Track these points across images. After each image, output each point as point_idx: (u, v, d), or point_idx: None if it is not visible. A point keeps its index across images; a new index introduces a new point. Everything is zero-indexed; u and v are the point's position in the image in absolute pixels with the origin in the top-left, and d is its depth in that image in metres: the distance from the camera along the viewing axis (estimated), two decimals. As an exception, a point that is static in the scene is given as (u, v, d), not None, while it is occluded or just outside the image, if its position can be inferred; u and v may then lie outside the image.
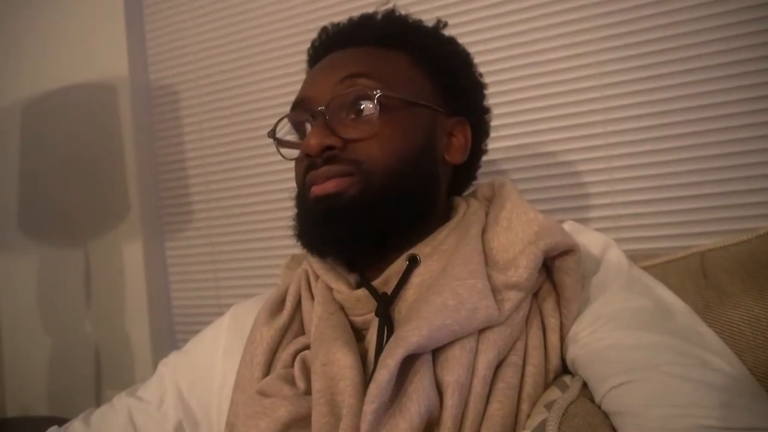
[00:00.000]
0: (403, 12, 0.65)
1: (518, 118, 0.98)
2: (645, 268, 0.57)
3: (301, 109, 0.59)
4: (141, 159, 1.32)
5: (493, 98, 0.99)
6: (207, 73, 1.29)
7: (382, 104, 0.54)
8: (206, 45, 1.29)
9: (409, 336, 0.45)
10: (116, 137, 1.32)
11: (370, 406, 0.43)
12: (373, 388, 0.43)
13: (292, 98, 1.21)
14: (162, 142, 1.35)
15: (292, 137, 0.64)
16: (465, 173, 0.66)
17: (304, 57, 1.18)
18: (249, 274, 1.25)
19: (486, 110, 0.68)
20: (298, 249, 1.29)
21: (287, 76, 1.19)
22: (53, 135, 1.37)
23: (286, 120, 0.62)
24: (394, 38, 0.61)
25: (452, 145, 0.61)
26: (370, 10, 0.66)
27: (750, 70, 0.84)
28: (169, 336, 1.32)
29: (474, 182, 0.70)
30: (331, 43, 0.64)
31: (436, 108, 0.59)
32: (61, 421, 0.69)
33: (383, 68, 0.58)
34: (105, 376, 1.31)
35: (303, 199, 0.58)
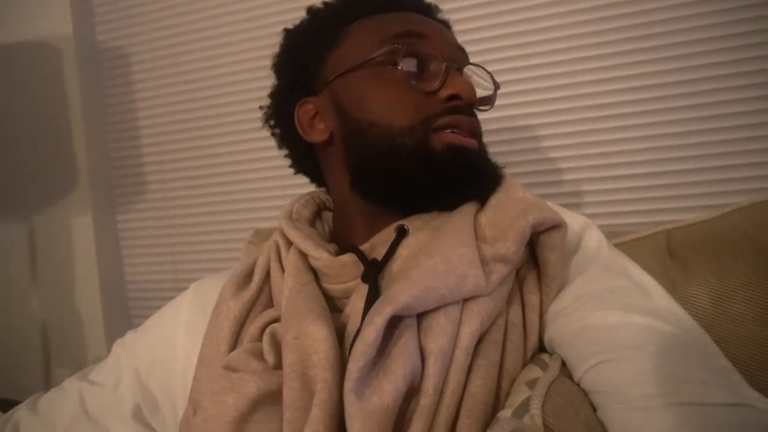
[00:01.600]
0: None
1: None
2: (613, 246, 0.58)
3: (428, 46, 0.55)
4: (89, 126, 1.24)
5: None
6: (160, 35, 1.22)
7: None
8: (160, 5, 1.21)
9: (398, 295, 0.44)
10: (61, 102, 1.23)
11: (355, 365, 0.41)
12: (360, 346, 0.42)
13: (250, 63, 1.16)
14: (112, 109, 1.27)
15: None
16: None
17: (263, 22, 1.13)
18: (208, 248, 1.21)
19: None
20: (258, 222, 1.25)
21: (246, 41, 1.14)
22: (-8, 98, 1.28)
23: (381, 45, 0.55)
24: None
25: None
26: None
27: (719, 47, 0.86)
28: (124, 312, 1.27)
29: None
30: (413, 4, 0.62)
31: None
32: (7, 403, 0.65)
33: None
34: (54, 355, 1.25)
35: (421, 140, 0.53)
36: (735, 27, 0.85)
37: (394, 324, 0.45)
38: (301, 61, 0.61)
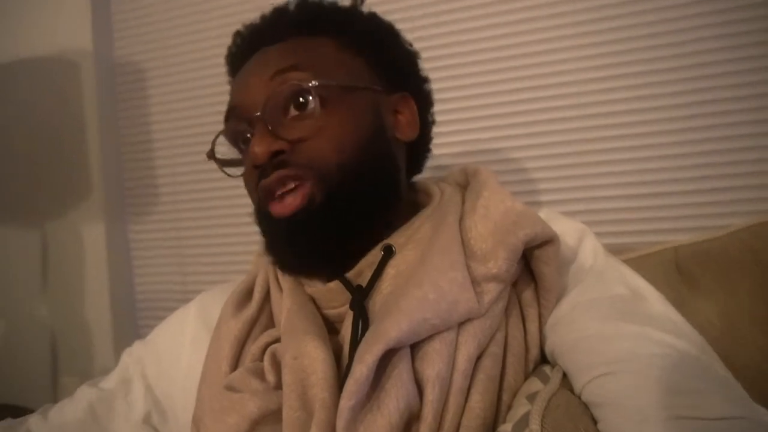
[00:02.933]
0: None
1: (494, 110, 0.98)
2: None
3: (236, 118, 0.55)
4: (104, 138, 1.26)
5: (470, 89, 0.99)
6: (176, 51, 1.24)
7: (321, 96, 0.51)
8: (175, 22, 1.24)
9: (389, 330, 0.44)
10: (78, 114, 1.26)
11: (347, 403, 0.41)
12: (351, 384, 0.42)
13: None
14: (127, 122, 1.30)
15: (232, 153, 0.59)
16: (420, 148, 0.63)
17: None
18: (217, 260, 1.22)
19: (424, 79, 0.64)
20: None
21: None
22: (11, 110, 1.31)
23: (222, 136, 0.57)
24: (313, 24, 0.58)
25: (400, 122, 0.58)
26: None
27: (728, 71, 0.85)
28: (132, 322, 1.28)
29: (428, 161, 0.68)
30: (250, 46, 0.59)
31: (374, 87, 0.56)
32: (14, 409, 0.66)
33: (311, 57, 0.54)
34: (62, 363, 1.26)
35: (264, 215, 0.53)
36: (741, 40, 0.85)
37: (388, 355, 0.45)
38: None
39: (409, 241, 0.53)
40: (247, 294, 0.59)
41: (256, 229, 1.22)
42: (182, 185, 1.25)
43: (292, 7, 0.60)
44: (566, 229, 0.55)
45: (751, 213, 0.83)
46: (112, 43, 1.30)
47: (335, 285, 0.52)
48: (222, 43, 1.17)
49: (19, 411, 0.66)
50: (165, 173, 1.26)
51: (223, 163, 0.57)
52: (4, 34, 1.30)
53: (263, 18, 0.61)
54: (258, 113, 0.51)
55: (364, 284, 0.52)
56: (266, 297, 0.58)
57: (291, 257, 0.53)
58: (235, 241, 1.20)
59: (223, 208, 1.21)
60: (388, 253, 0.52)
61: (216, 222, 1.21)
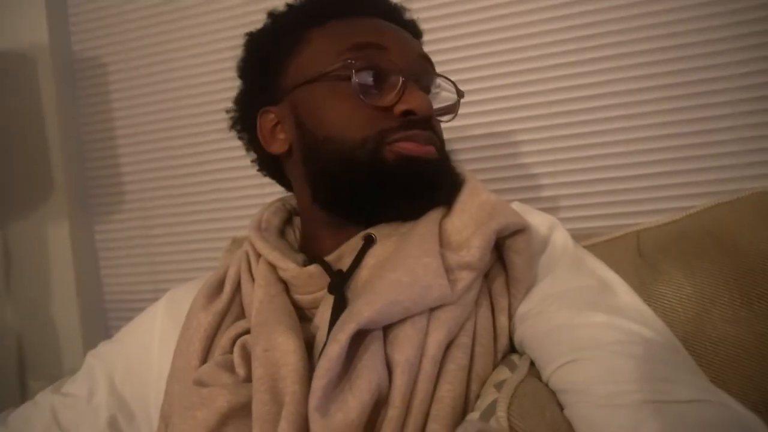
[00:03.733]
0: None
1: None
2: (586, 248, 0.58)
3: (385, 58, 0.54)
4: (65, 134, 1.23)
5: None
6: (136, 44, 1.21)
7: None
8: (135, 15, 1.21)
9: (362, 310, 0.44)
10: (37, 111, 1.22)
11: (319, 382, 0.41)
12: (324, 362, 0.42)
13: (225, 72, 1.15)
14: (88, 118, 1.26)
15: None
16: None
17: (236, 32, 1.13)
18: (186, 257, 1.20)
19: None
20: (238, 230, 1.24)
21: (220, 51, 1.13)
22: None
23: (336, 57, 0.55)
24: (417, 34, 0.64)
25: None
26: None
27: (675, 57, 0.87)
28: (101, 323, 1.25)
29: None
30: (376, 8, 0.60)
31: None
32: None
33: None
34: (29, 366, 1.23)
35: (374, 152, 0.52)
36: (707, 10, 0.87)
37: (360, 338, 0.45)
38: (262, 68, 0.60)
39: (393, 233, 0.54)
40: (218, 286, 0.58)
41: (225, 225, 1.20)
42: (148, 182, 1.22)
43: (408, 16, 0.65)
44: (537, 221, 0.57)
45: (713, 194, 0.85)
46: (69, 37, 1.26)
47: (315, 269, 0.52)
48: (182, 36, 1.16)
49: None
50: (130, 170, 1.24)
51: (364, 89, 0.54)
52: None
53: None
54: (416, 70, 0.56)
55: (344, 270, 0.52)
56: (237, 289, 0.57)
57: (409, 195, 0.53)
58: (205, 237, 1.18)
59: (191, 204, 1.19)
60: (369, 242, 0.53)
61: (184, 219, 1.19)
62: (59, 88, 1.23)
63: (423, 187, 0.53)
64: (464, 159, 0.97)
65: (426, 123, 0.54)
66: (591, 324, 0.46)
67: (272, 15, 0.63)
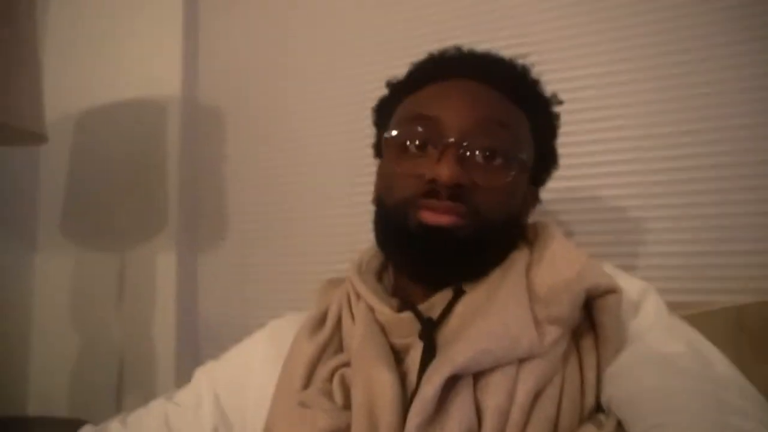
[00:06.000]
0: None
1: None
2: (682, 317, 0.58)
3: (430, 127, 0.58)
4: (182, 175, 1.36)
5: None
6: (253, 94, 1.34)
7: (512, 163, 0.57)
8: (255, 68, 1.34)
9: (455, 356, 0.47)
10: (161, 153, 1.37)
11: (413, 421, 0.44)
12: (418, 404, 0.45)
13: (332, 125, 1.25)
14: (204, 161, 1.39)
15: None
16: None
17: (348, 90, 1.23)
18: (276, 296, 1.27)
19: (545, 183, 0.70)
20: (326, 273, 1.31)
21: (331, 108, 1.23)
22: (102, 146, 1.43)
23: (397, 126, 0.61)
24: (526, 95, 0.62)
25: (525, 211, 0.65)
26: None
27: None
28: (194, 349, 1.34)
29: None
30: (466, 68, 0.63)
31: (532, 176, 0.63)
32: (81, 423, 0.70)
33: (518, 125, 0.60)
34: (126, 384, 1.33)
35: (409, 215, 0.56)
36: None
37: (452, 382, 0.48)
38: (376, 125, 0.69)
39: (480, 284, 0.57)
40: (320, 321, 0.63)
41: (313, 269, 1.27)
42: (248, 223, 1.32)
43: (518, 66, 0.65)
44: (629, 285, 0.57)
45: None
46: (197, 88, 1.42)
47: (407, 315, 0.56)
48: (293, 90, 1.28)
49: (83, 425, 0.69)
50: (235, 211, 1.34)
51: (401, 149, 0.59)
52: (102, 77, 1.44)
53: (489, 55, 0.65)
54: (453, 140, 0.55)
55: (434, 318, 0.55)
56: (338, 325, 0.62)
57: (419, 260, 0.57)
58: (294, 278, 1.25)
59: (286, 244, 1.26)
60: (460, 292, 0.56)
61: (280, 260, 1.27)
62: (183, 132, 1.37)
63: (440, 255, 0.55)
64: (564, 219, 0.98)
65: (448, 191, 0.54)
66: (683, 389, 0.45)
67: (388, 84, 0.69)
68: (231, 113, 1.37)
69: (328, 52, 1.25)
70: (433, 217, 0.55)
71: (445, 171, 0.54)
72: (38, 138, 1.04)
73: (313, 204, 1.24)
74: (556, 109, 0.67)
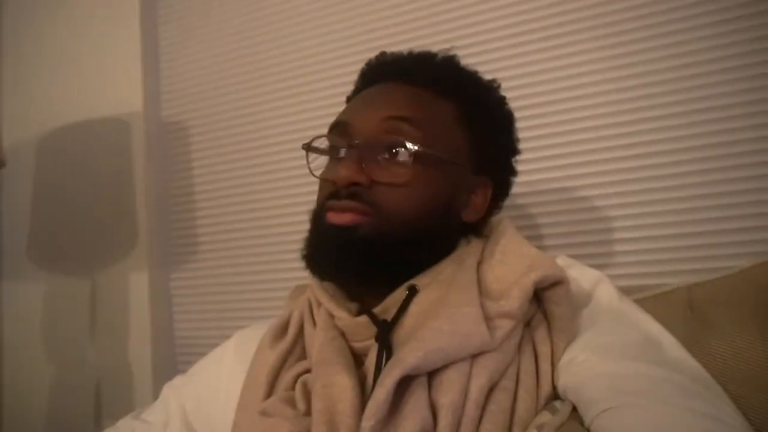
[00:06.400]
0: (462, 61, 0.66)
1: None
2: (635, 302, 0.59)
3: (340, 133, 0.60)
4: (150, 193, 1.35)
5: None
6: (218, 110, 1.33)
7: (418, 158, 0.57)
8: (218, 84, 1.34)
9: (406, 357, 0.48)
10: (127, 171, 1.35)
11: (367, 423, 0.45)
12: (371, 406, 0.46)
13: (295, 136, 1.24)
14: (171, 176, 1.39)
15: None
16: (472, 228, 0.65)
17: (308, 100, 1.23)
18: (252, 306, 1.27)
19: (513, 173, 0.68)
20: (300, 281, 1.31)
21: (292, 115, 1.24)
22: (66, 167, 1.41)
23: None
24: (449, 86, 0.62)
25: (471, 203, 0.63)
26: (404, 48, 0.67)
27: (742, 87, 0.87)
28: (171, 367, 1.33)
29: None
30: (385, 71, 0.65)
31: (465, 165, 0.61)
32: None
33: (429, 117, 0.59)
34: (104, 409, 1.31)
35: (319, 219, 0.59)
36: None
37: (406, 382, 0.49)
38: None
39: (433, 282, 0.57)
40: (283, 328, 0.64)
41: (288, 275, 1.27)
42: (222, 234, 1.31)
43: (439, 59, 0.65)
44: (582, 275, 0.59)
45: (759, 254, 0.83)
46: (159, 104, 1.41)
47: (363, 319, 0.57)
48: (258, 102, 1.28)
49: None
50: (206, 224, 1.34)
51: (312, 150, 0.63)
52: (63, 97, 1.42)
53: (410, 55, 0.66)
54: (357, 141, 0.57)
55: (389, 319, 0.56)
56: (300, 332, 0.62)
57: (327, 261, 0.58)
58: (269, 287, 1.25)
59: (259, 256, 1.26)
60: (413, 292, 0.57)
61: (252, 269, 1.27)
62: (148, 150, 1.36)
63: (333, 250, 0.57)
64: (515, 212, 1.00)
65: (344, 191, 0.57)
66: (633, 374, 0.47)
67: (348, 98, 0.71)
68: (196, 127, 1.37)
69: (293, 60, 1.25)
70: (335, 216, 0.57)
71: (341, 171, 0.56)
72: (-5, 163, 1.02)
73: (285, 215, 1.25)
74: (501, 95, 0.66)
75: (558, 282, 0.53)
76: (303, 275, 1.29)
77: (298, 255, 1.23)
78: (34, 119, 1.42)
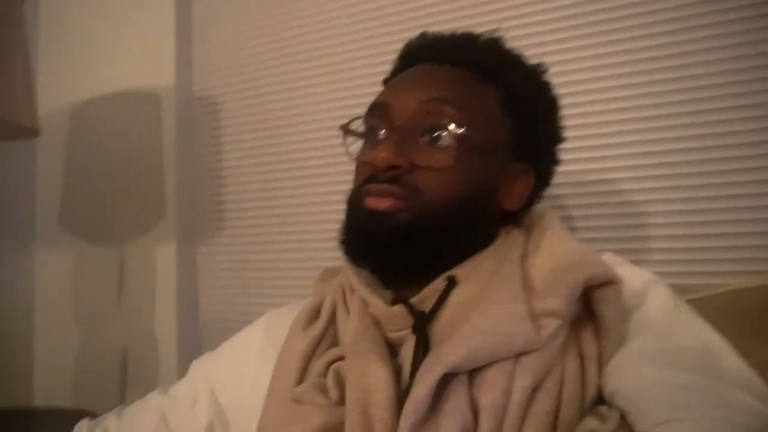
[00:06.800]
0: (508, 43, 0.63)
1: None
2: (690, 307, 0.56)
3: (379, 115, 0.59)
4: (180, 166, 1.35)
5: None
6: (250, 86, 1.32)
7: (461, 141, 0.55)
8: (251, 59, 1.32)
9: (449, 354, 0.46)
10: (158, 144, 1.36)
11: (406, 421, 0.44)
12: (411, 404, 0.44)
13: (327, 115, 1.23)
14: (201, 151, 1.38)
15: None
16: (512, 217, 0.63)
17: (342, 79, 1.20)
18: (276, 284, 1.27)
19: (556, 161, 0.66)
20: (325, 262, 1.31)
21: (325, 93, 1.22)
22: (98, 138, 1.43)
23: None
24: (493, 68, 0.60)
25: (512, 191, 0.60)
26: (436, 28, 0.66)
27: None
28: (195, 339, 1.34)
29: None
30: (426, 51, 0.63)
31: (507, 152, 0.59)
32: (86, 414, 0.71)
33: (472, 101, 0.57)
34: (130, 374, 1.34)
35: (357, 204, 0.58)
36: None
37: (446, 380, 0.47)
38: None
39: (473, 274, 0.55)
40: (315, 313, 0.62)
41: (314, 255, 1.26)
42: (249, 211, 1.31)
43: (482, 40, 0.63)
44: (632, 275, 0.55)
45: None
46: (191, 78, 1.40)
47: (399, 309, 0.55)
48: (290, 79, 1.26)
49: (89, 416, 0.70)
50: (233, 199, 1.34)
51: (349, 133, 0.62)
52: (96, 70, 1.43)
53: (452, 36, 0.64)
54: (398, 123, 0.56)
55: (426, 311, 0.54)
56: (332, 318, 0.61)
57: (364, 247, 0.57)
58: (294, 266, 1.24)
59: (286, 234, 1.26)
60: (452, 283, 0.55)
61: (278, 247, 1.27)
62: (178, 124, 1.36)
63: (370, 235, 0.55)
64: (562, 204, 0.97)
65: (382, 175, 0.55)
66: (692, 386, 0.45)
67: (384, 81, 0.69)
68: (227, 103, 1.36)
69: (329, 38, 1.22)
70: (374, 201, 0.55)
71: (380, 154, 0.54)
72: (31, 132, 1.03)
73: (313, 194, 1.23)
74: (547, 80, 0.64)
75: (608, 281, 0.51)
76: (327, 256, 1.29)
77: (323, 236, 1.24)
78: (69, 91, 1.43)
